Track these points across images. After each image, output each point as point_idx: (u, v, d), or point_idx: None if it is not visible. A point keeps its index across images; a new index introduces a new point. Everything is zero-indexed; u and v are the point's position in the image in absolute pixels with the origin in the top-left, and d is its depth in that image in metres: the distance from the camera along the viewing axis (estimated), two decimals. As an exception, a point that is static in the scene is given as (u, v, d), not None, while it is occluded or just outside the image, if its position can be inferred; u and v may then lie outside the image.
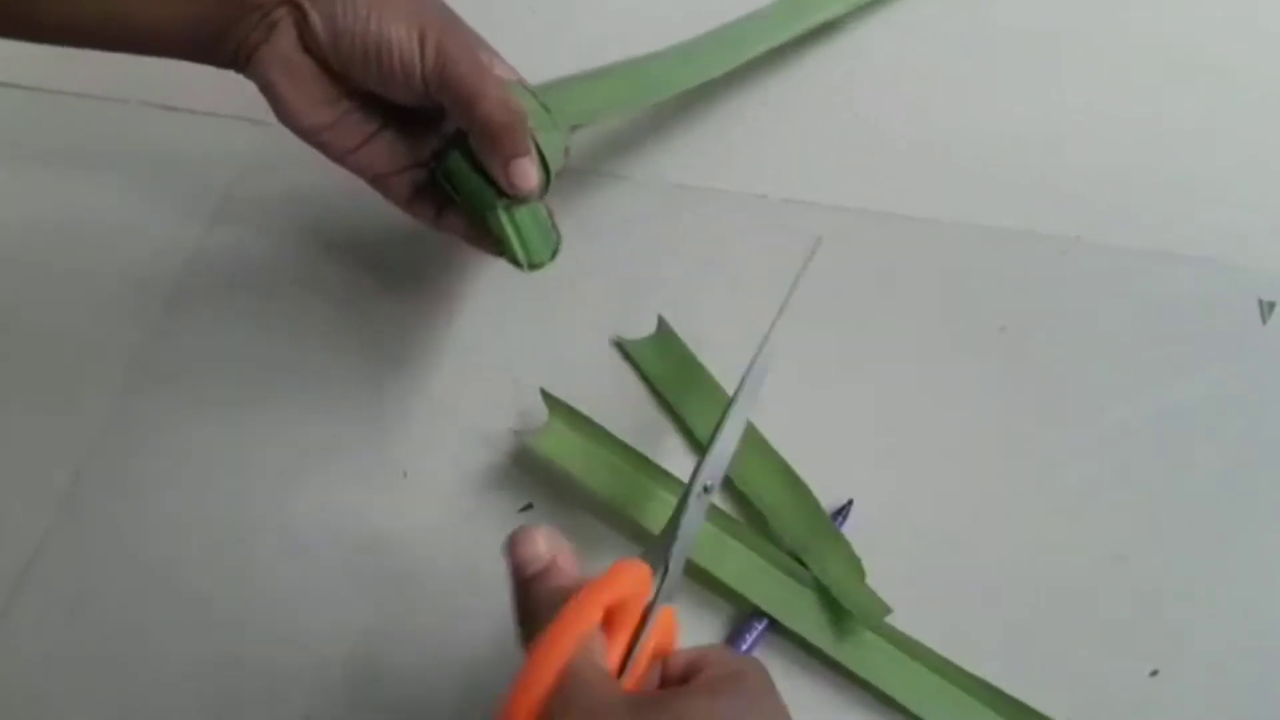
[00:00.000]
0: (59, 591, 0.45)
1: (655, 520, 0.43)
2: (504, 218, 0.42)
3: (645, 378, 0.47)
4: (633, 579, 0.32)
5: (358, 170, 0.43)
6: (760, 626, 0.42)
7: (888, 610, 0.42)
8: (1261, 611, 0.43)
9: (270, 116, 0.54)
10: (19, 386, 0.49)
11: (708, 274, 0.49)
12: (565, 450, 0.44)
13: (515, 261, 0.42)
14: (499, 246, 0.43)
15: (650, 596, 0.33)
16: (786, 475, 0.44)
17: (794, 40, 0.53)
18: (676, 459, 0.46)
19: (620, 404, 0.46)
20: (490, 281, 0.50)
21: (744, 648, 0.42)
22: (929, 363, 0.47)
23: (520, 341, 0.48)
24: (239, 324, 0.50)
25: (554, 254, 0.43)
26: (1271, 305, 0.47)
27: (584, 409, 0.44)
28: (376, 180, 0.44)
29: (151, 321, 0.50)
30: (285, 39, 0.39)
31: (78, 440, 0.48)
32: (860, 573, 0.42)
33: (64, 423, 0.48)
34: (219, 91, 0.53)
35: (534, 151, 0.41)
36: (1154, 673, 0.42)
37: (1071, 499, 0.45)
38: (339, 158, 0.43)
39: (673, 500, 0.44)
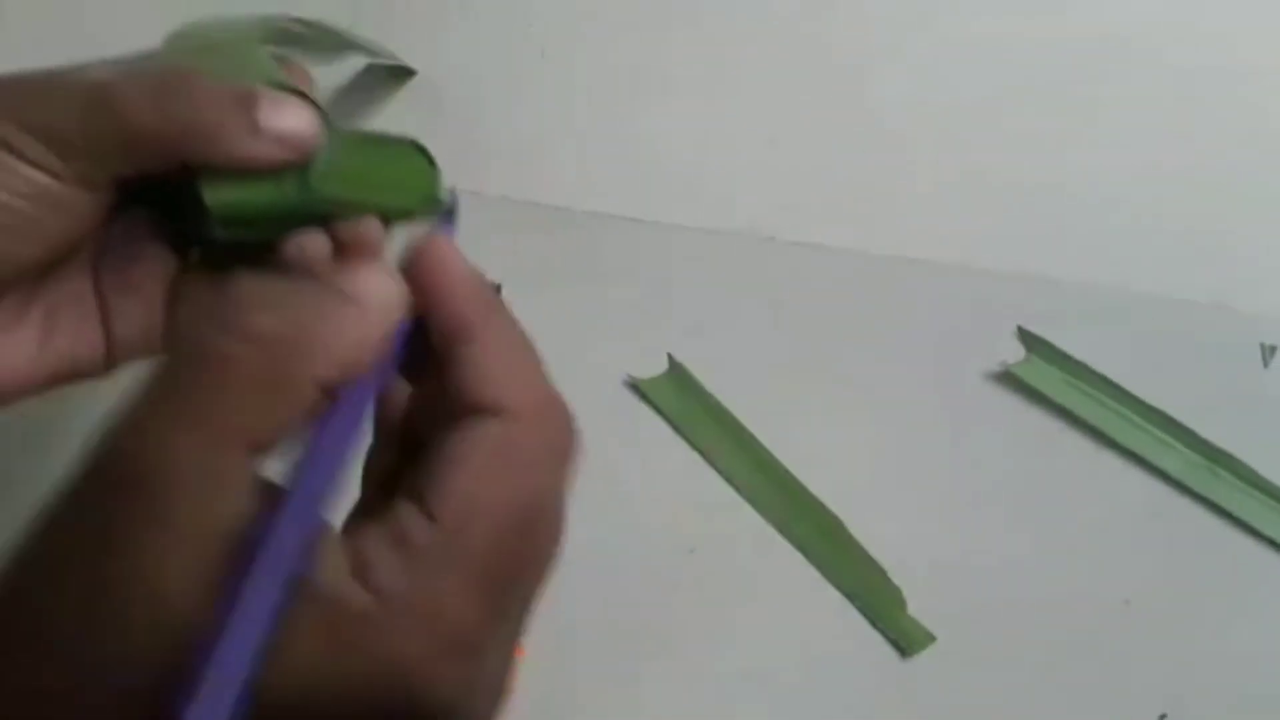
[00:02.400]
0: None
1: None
2: (326, 188, 0.27)
3: (663, 416, 0.47)
4: None
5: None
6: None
7: (931, 639, 0.42)
8: (1269, 655, 0.43)
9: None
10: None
11: (713, 316, 0.50)
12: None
13: (403, 211, 0.29)
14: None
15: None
16: (818, 509, 0.45)
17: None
18: (707, 492, 0.46)
19: (640, 444, 0.47)
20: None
21: None
22: (930, 405, 0.48)
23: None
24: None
25: (432, 163, 0.29)
26: (1273, 349, 0.48)
27: (602, 451, 0.44)
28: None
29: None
30: None
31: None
32: (901, 602, 0.43)
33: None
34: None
35: (246, 88, 0.26)
36: (1162, 717, 0.42)
37: (1077, 543, 0.45)
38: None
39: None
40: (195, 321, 0.21)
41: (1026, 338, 0.48)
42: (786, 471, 0.46)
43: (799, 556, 0.45)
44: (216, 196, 0.26)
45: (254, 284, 0.22)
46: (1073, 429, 0.47)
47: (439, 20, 0.54)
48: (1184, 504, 0.46)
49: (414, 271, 0.23)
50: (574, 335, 0.49)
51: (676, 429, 0.47)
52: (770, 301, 0.50)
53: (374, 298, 0.22)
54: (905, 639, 0.43)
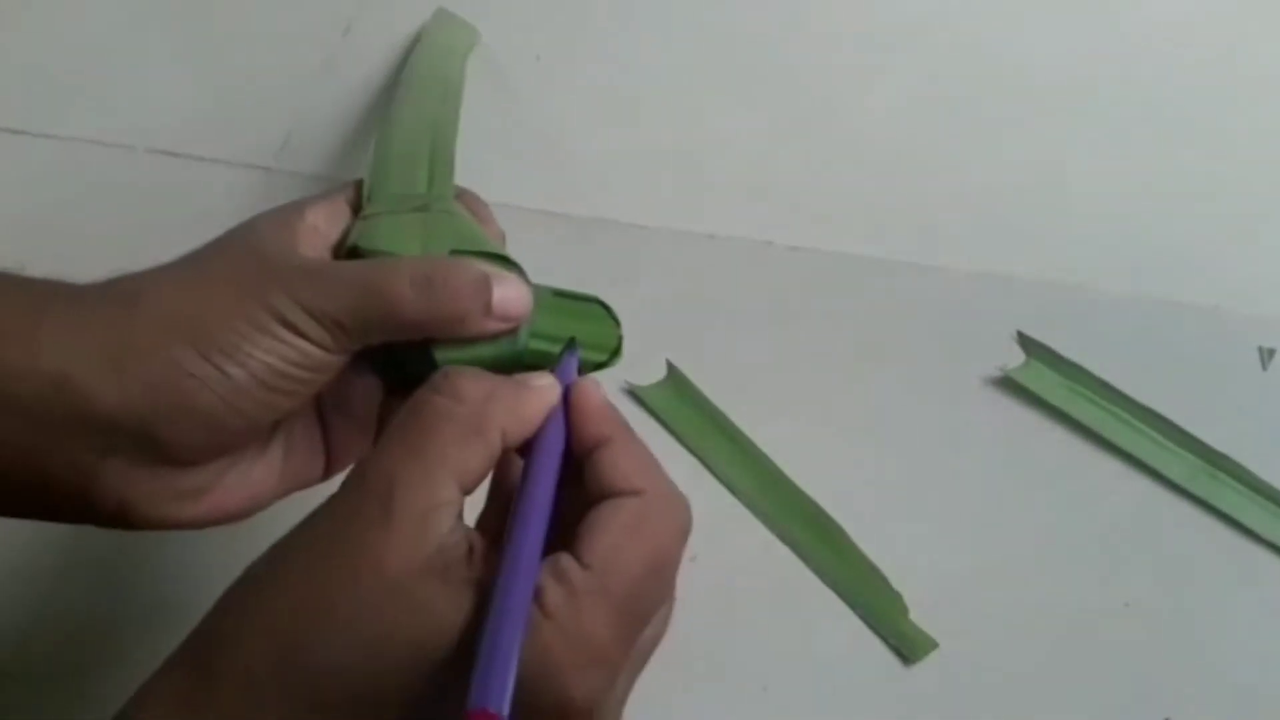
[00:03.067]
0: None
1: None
2: (532, 344, 0.33)
3: (662, 423, 0.47)
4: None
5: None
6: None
7: (934, 645, 0.42)
8: (1271, 657, 0.43)
9: (283, 163, 0.54)
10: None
11: (712, 321, 0.50)
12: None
13: (591, 364, 0.34)
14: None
15: None
16: (818, 516, 0.45)
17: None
18: (707, 499, 0.45)
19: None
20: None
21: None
22: (929, 410, 0.48)
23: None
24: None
25: (616, 321, 0.35)
26: (1271, 352, 0.48)
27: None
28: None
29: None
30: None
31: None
32: (903, 608, 0.43)
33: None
34: (228, 137, 0.53)
35: (482, 274, 0.31)
36: (1166, 720, 0.42)
37: (1077, 546, 0.45)
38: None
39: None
40: (420, 389, 0.28)
41: (1025, 342, 0.48)
42: (787, 478, 0.46)
43: (800, 563, 0.45)
44: (446, 357, 0.31)
45: (459, 368, 0.29)
46: (1072, 433, 0.47)
47: (434, 26, 0.54)
48: (1183, 507, 0.46)
49: (570, 400, 0.30)
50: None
51: (676, 436, 0.47)
52: (769, 306, 0.50)
53: (541, 387, 0.29)
54: (907, 645, 0.43)
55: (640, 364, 0.48)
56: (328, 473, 0.34)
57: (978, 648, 0.43)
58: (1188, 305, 0.50)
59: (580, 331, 0.33)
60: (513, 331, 0.32)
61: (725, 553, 0.45)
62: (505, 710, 0.23)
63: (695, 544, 0.44)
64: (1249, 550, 0.45)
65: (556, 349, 0.33)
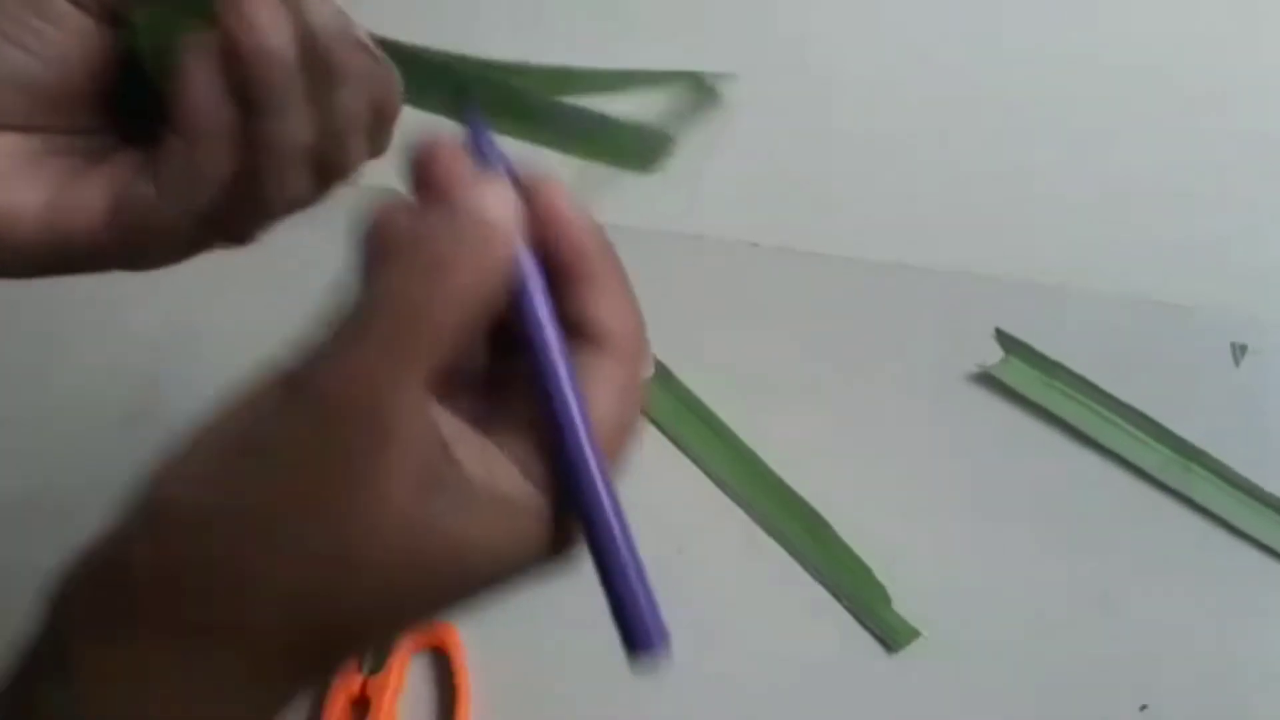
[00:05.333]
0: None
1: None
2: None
3: (650, 419, 0.48)
4: None
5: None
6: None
7: (916, 634, 0.43)
8: (1244, 644, 0.44)
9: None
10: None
11: (697, 320, 0.50)
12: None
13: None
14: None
15: None
16: (804, 509, 0.46)
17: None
18: (693, 493, 0.47)
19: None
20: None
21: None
22: (911, 406, 0.49)
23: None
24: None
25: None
26: (1244, 348, 0.49)
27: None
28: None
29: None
30: None
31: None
32: (886, 599, 0.44)
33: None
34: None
35: None
36: (1143, 707, 0.43)
37: (1056, 538, 0.46)
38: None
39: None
40: (361, 284, 0.23)
41: (1004, 339, 0.49)
42: (772, 472, 0.47)
43: (785, 555, 0.45)
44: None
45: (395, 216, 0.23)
46: (1050, 428, 0.48)
47: (439, 25, 0.54)
48: (1160, 499, 0.47)
49: (535, 206, 0.25)
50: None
51: (663, 431, 0.48)
52: (753, 305, 0.51)
53: (492, 228, 0.23)
54: (891, 634, 0.43)
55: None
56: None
57: (959, 636, 0.44)
58: (1163, 304, 0.50)
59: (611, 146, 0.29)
60: None
61: (712, 545, 0.46)
62: (669, 645, 0.23)
63: (682, 537, 0.45)
64: (1222, 540, 0.46)
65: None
